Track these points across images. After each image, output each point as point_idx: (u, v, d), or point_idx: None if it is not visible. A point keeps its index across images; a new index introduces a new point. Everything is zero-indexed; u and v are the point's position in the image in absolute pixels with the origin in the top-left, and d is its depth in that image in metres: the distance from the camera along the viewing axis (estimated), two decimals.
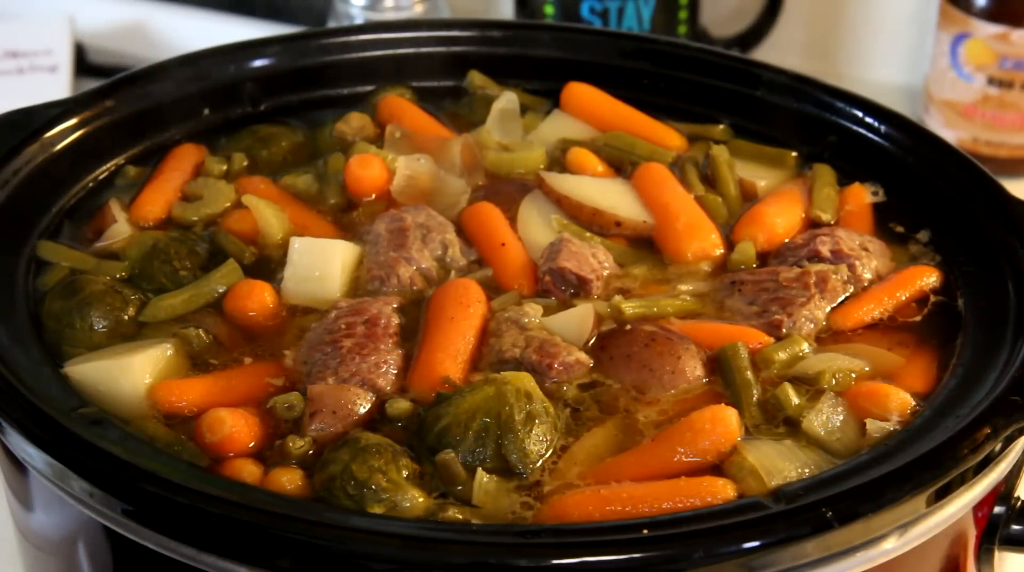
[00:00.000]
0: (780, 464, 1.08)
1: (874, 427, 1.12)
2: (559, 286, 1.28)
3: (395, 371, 1.18)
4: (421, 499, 1.06)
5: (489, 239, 1.34)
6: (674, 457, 1.10)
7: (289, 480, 1.07)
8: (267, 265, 1.32)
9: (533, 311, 1.23)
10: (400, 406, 1.14)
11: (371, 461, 1.06)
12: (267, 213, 1.36)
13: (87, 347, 1.21)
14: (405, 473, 1.07)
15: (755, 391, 1.16)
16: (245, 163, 1.46)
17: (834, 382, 1.18)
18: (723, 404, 1.14)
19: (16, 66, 2.26)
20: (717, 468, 1.09)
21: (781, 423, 1.14)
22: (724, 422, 1.11)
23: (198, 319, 1.25)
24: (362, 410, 1.14)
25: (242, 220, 1.37)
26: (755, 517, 0.98)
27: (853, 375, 1.19)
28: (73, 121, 1.39)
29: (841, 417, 1.14)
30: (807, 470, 1.08)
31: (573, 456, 1.11)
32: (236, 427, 1.12)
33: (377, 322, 1.21)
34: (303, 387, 1.17)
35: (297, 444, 1.11)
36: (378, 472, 1.06)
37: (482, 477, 1.07)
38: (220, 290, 1.27)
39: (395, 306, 1.24)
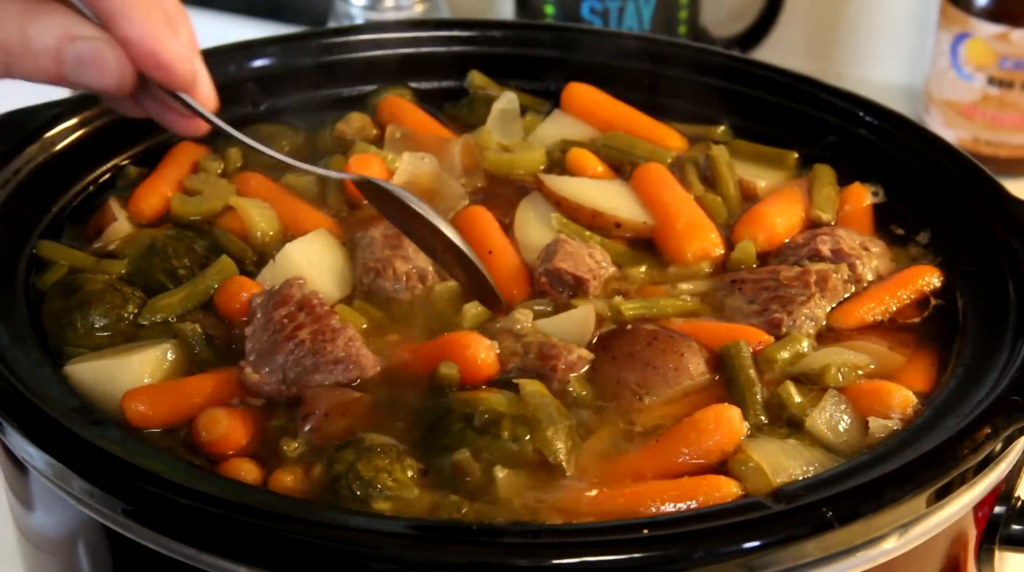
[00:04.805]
0: (785, 462, 1.08)
1: (876, 425, 1.12)
2: (556, 287, 1.28)
3: (363, 347, 1.18)
4: (426, 498, 1.06)
5: (479, 246, 1.34)
6: (679, 457, 1.10)
7: (292, 480, 1.07)
8: (265, 263, 1.32)
9: (523, 317, 1.23)
10: (451, 368, 1.15)
11: (376, 461, 1.06)
12: (252, 212, 1.36)
13: (88, 346, 1.21)
14: (410, 473, 1.07)
15: (758, 389, 1.16)
16: (239, 163, 1.46)
17: (839, 377, 1.18)
18: (726, 403, 1.14)
19: None
20: (723, 467, 1.09)
21: (785, 422, 1.14)
22: (728, 421, 1.11)
23: (195, 316, 1.25)
24: (357, 411, 1.14)
25: (238, 218, 1.37)
26: (755, 517, 0.98)
27: (859, 371, 1.19)
28: (73, 121, 1.39)
29: (844, 415, 1.14)
30: (812, 468, 1.08)
31: (579, 456, 1.11)
32: (232, 426, 1.12)
33: (311, 303, 1.20)
34: (286, 396, 1.16)
35: (291, 446, 1.11)
36: (383, 472, 1.06)
37: (499, 473, 1.07)
38: (216, 287, 1.27)
39: (301, 281, 1.23)
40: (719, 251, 1.35)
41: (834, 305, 1.28)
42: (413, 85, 1.59)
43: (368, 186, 1.19)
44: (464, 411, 1.11)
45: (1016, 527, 1.13)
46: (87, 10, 0.97)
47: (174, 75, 0.99)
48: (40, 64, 0.97)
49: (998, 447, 1.05)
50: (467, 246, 1.16)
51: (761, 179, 1.45)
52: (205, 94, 1.04)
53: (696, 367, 1.19)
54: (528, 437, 1.10)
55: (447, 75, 1.60)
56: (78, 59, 0.96)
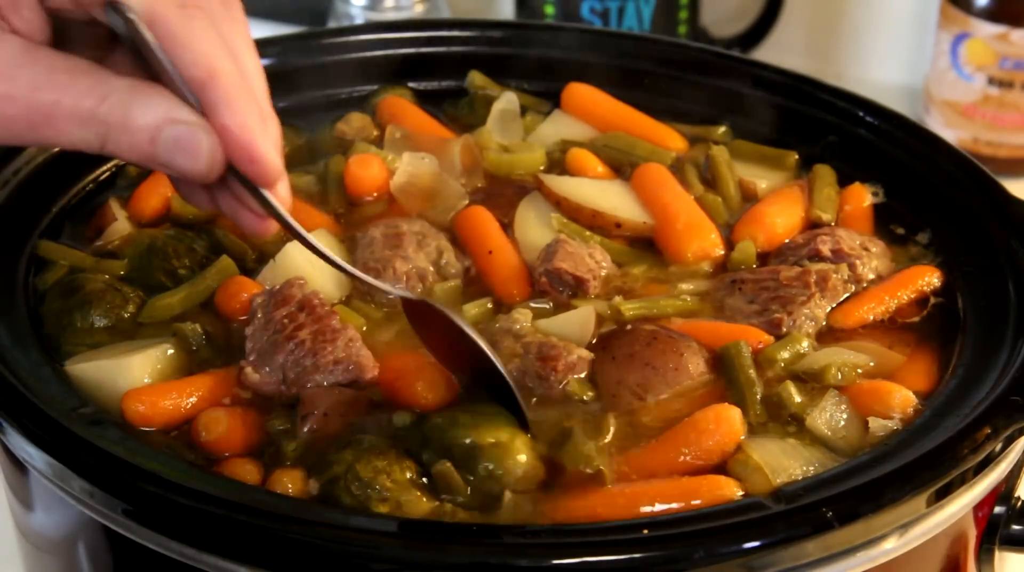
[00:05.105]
0: (785, 462, 1.08)
1: (876, 425, 1.12)
2: (556, 287, 1.28)
3: (363, 348, 1.18)
4: (425, 500, 1.06)
5: (479, 245, 1.34)
6: (679, 457, 1.10)
7: (290, 480, 1.07)
8: (265, 263, 1.31)
9: (523, 317, 1.23)
10: (403, 418, 1.14)
11: (375, 462, 1.06)
12: None
13: (88, 346, 1.21)
14: (408, 474, 1.07)
15: (758, 389, 1.16)
16: None
17: (839, 377, 1.18)
18: (726, 403, 1.14)
19: None
20: (723, 467, 1.09)
21: (785, 421, 1.14)
22: (728, 421, 1.11)
23: (195, 317, 1.25)
24: (356, 411, 1.14)
25: None
26: (755, 517, 0.98)
27: (859, 370, 1.19)
28: None
29: (844, 415, 1.14)
30: (812, 468, 1.08)
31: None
32: (232, 427, 1.12)
33: (312, 304, 1.20)
34: (286, 396, 1.16)
35: (290, 446, 1.11)
36: (382, 473, 1.06)
37: (508, 497, 1.07)
38: (216, 287, 1.27)
39: (302, 281, 1.23)
40: (719, 251, 1.35)
41: (834, 305, 1.28)
42: (413, 85, 1.59)
43: (417, 305, 1.16)
44: (443, 443, 1.09)
45: (1016, 527, 1.13)
46: (190, 96, 0.99)
47: (263, 169, 1.02)
48: (136, 141, 0.99)
49: (998, 447, 1.05)
50: (506, 371, 1.14)
51: (761, 179, 1.45)
52: (283, 195, 1.06)
53: (696, 367, 1.19)
54: (512, 460, 1.08)
55: (447, 75, 1.60)
56: (175, 141, 0.99)
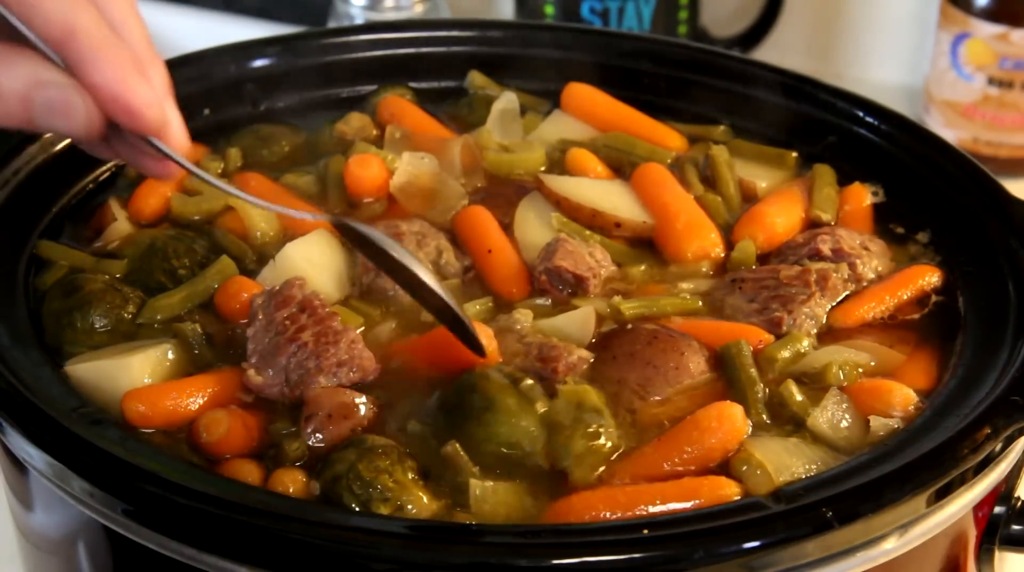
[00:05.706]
0: (787, 460, 1.08)
1: (878, 424, 1.12)
2: (556, 286, 1.28)
3: (365, 349, 1.18)
4: (427, 500, 1.05)
5: (479, 245, 1.34)
6: (681, 456, 1.10)
7: (292, 480, 1.07)
8: (265, 263, 1.31)
9: (523, 316, 1.23)
10: (415, 427, 1.14)
11: (377, 462, 1.06)
12: (252, 212, 1.36)
13: (88, 346, 1.21)
14: (411, 475, 1.07)
15: (759, 388, 1.16)
16: (239, 163, 1.46)
17: (840, 376, 1.18)
18: (728, 401, 1.14)
19: None
20: (725, 466, 1.09)
21: (787, 420, 1.14)
22: (730, 419, 1.11)
23: (195, 316, 1.25)
24: (360, 412, 1.14)
25: (238, 218, 1.37)
26: (755, 517, 0.98)
27: (860, 369, 1.19)
28: None
29: (846, 414, 1.14)
30: (814, 467, 1.08)
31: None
32: (233, 428, 1.12)
33: (313, 305, 1.20)
34: (289, 399, 1.16)
35: (293, 447, 1.11)
36: (384, 473, 1.06)
37: (475, 487, 1.07)
38: (216, 287, 1.27)
39: (301, 281, 1.23)
40: (719, 251, 1.35)
41: (834, 304, 1.28)
42: (413, 85, 1.59)
43: (346, 228, 1.15)
44: (487, 390, 1.11)
45: (1016, 527, 1.13)
46: (55, 56, 0.95)
47: (142, 120, 0.98)
48: (8, 109, 0.96)
49: (998, 447, 1.05)
50: (447, 292, 1.13)
51: (761, 179, 1.45)
52: (176, 138, 1.02)
53: (697, 366, 1.19)
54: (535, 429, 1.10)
55: (447, 75, 1.60)
56: (46, 105, 0.95)
